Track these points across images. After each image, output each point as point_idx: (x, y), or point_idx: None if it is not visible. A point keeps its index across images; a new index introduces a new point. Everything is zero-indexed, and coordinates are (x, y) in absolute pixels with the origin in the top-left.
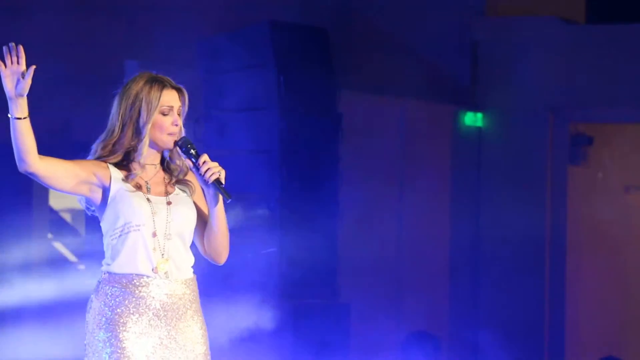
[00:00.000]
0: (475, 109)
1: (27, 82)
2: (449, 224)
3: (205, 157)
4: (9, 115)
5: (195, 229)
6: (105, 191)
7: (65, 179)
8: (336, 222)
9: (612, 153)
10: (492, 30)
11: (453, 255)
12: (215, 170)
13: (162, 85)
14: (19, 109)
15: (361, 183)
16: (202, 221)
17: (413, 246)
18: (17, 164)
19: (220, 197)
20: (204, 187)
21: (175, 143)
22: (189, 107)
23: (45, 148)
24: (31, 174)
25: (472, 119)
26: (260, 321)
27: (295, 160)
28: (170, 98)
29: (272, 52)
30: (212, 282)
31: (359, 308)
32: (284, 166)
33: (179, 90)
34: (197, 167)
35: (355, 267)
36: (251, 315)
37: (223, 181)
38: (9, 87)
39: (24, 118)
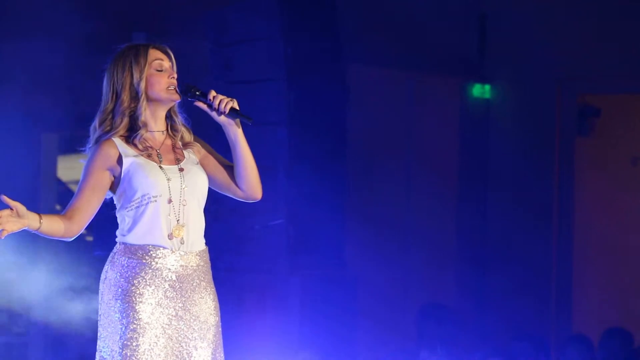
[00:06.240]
0: (483, 80)
1: (15, 209)
2: (456, 196)
3: (213, 92)
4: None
5: (222, 180)
6: (119, 171)
7: (96, 206)
8: (344, 193)
9: (620, 124)
10: (499, 1)
11: (460, 226)
12: (227, 100)
13: (147, 45)
14: (31, 224)
15: (369, 155)
16: (225, 167)
17: (420, 217)
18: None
19: (240, 129)
20: (222, 121)
21: (178, 93)
22: (197, 80)
23: (57, 121)
24: (78, 235)
25: (480, 91)
26: (268, 293)
27: (303, 132)
28: (158, 54)
29: (280, 24)
30: (222, 254)
31: (367, 279)
32: (291, 138)
33: (164, 51)
34: (209, 104)
35: (363, 238)
36: (259, 286)
37: (238, 108)
38: (16, 228)
39: (40, 225)
